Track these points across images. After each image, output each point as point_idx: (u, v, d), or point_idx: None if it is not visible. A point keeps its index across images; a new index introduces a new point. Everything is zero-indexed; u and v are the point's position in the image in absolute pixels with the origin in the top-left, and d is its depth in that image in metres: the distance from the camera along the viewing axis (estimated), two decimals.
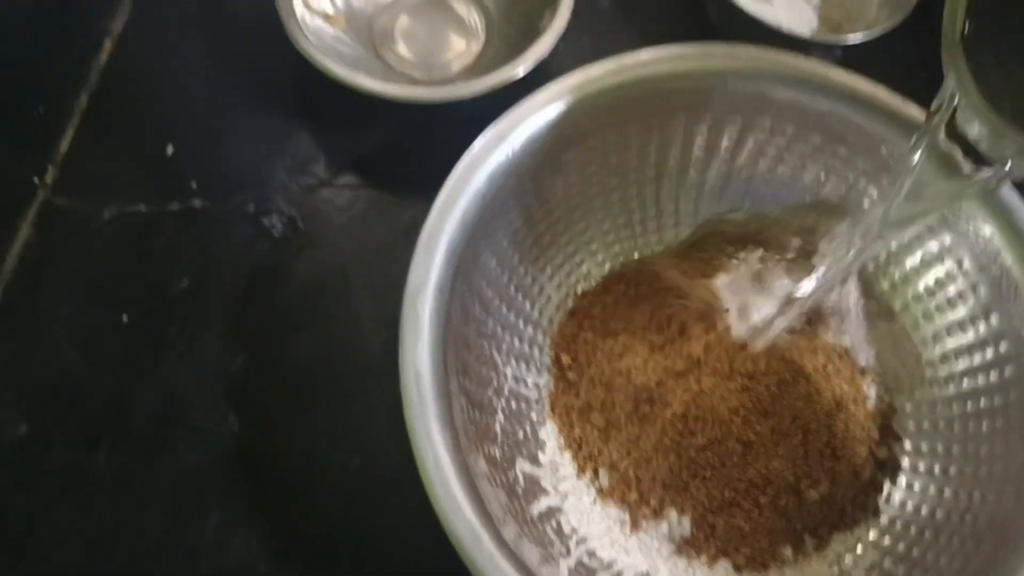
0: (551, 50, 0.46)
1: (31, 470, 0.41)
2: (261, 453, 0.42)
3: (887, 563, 0.39)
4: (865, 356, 0.44)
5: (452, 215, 0.37)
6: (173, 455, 0.41)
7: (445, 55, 0.52)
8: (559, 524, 0.39)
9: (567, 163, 0.42)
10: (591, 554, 0.39)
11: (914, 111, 0.40)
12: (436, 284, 0.36)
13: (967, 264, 0.40)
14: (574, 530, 0.39)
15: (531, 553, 0.36)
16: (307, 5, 0.48)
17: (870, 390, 0.43)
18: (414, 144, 0.50)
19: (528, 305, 0.43)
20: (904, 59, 0.48)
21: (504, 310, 0.42)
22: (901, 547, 0.39)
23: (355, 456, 0.42)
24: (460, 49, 0.52)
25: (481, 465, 0.36)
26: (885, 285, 0.43)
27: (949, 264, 0.41)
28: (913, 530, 0.39)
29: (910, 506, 0.40)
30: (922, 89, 0.40)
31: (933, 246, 0.41)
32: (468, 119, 0.49)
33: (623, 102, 0.41)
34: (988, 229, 0.39)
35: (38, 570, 0.39)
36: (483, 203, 0.38)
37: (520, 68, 0.45)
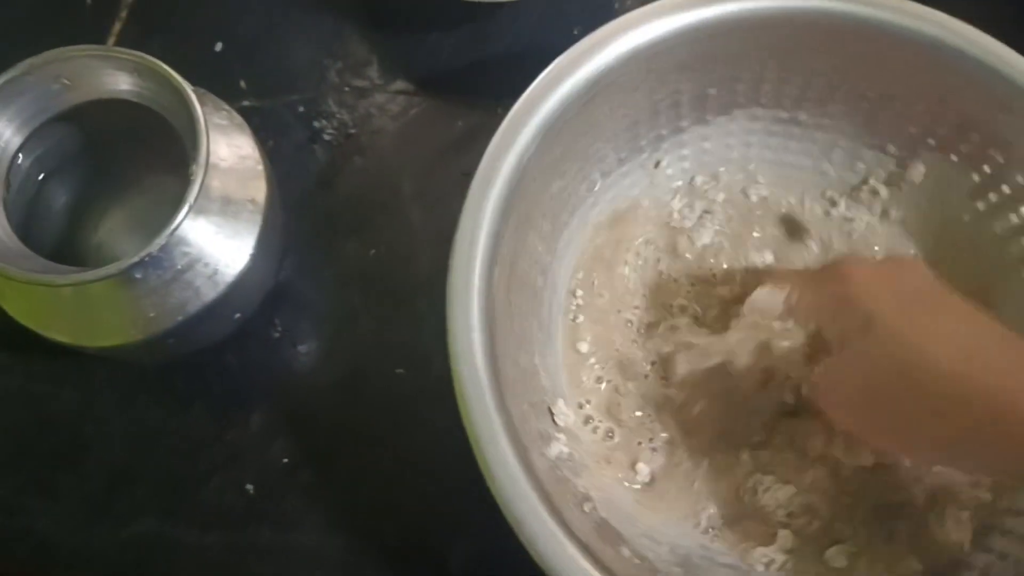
0: None
1: None
2: (305, 359, 0.41)
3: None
4: None
5: (527, 126, 0.34)
6: (217, 357, 0.41)
7: None
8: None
9: (650, 90, 0.38)
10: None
11: None
12: (497, 203, 0.33)
13: None
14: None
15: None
16: None
17: None
18: (469, 51, 0.47)
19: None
20: None
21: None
22: None
23: (400, 367, 0.41)
24: None
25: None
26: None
27: None
28: None
29: None
30: None
31: None
32: (527, 32, 0.48)
33: (726, 31, 0.36)
34: None
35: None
36: (563, 118, 0.35)
37: None
